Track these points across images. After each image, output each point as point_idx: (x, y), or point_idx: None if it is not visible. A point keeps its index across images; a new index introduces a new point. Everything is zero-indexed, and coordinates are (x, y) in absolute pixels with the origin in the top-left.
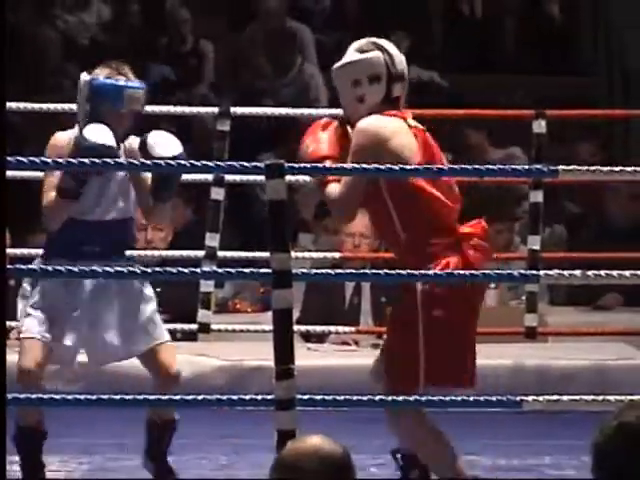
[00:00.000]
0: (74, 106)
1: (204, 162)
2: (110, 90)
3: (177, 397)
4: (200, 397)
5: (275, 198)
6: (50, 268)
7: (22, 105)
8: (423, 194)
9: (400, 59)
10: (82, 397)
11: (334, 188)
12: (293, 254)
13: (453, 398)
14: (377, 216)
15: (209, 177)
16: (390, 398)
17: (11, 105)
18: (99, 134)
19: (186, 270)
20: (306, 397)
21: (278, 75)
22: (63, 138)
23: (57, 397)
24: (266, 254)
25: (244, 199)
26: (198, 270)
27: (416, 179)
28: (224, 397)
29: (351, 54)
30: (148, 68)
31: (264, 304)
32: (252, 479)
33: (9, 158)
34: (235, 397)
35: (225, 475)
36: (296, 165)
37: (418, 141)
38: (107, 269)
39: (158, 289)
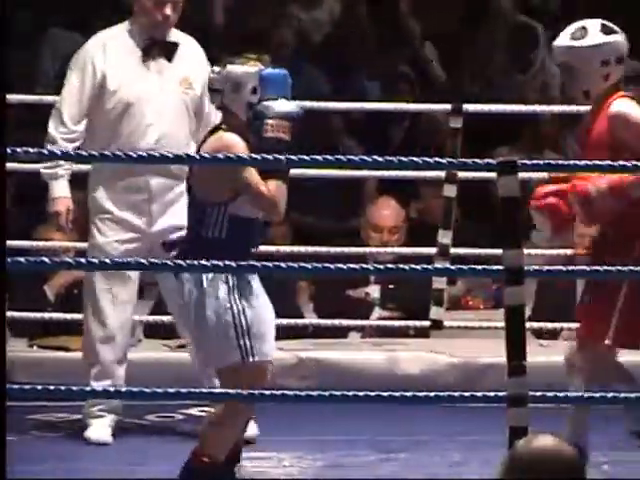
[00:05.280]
0: None
1: (437, 159)
2: (280, 79)
3: (409, 394)
4: (432, 394)
5: (508, 195)
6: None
7: None
8: None
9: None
10: (315, 393)
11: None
12: (525, 251)
13: None
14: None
15: (441, 174)
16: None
17: None
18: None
19: (418, 267)
20: (538, 394)
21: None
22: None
23: (290, 393)
24: (498, 251)
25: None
26: (431, 267)
27: None
28: (456, 394)
29: (596, 35)
30: None
31: (496, 301)
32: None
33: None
34: (467, 394)
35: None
36: (529, 162)
37: None
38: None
39: (391, 286)
